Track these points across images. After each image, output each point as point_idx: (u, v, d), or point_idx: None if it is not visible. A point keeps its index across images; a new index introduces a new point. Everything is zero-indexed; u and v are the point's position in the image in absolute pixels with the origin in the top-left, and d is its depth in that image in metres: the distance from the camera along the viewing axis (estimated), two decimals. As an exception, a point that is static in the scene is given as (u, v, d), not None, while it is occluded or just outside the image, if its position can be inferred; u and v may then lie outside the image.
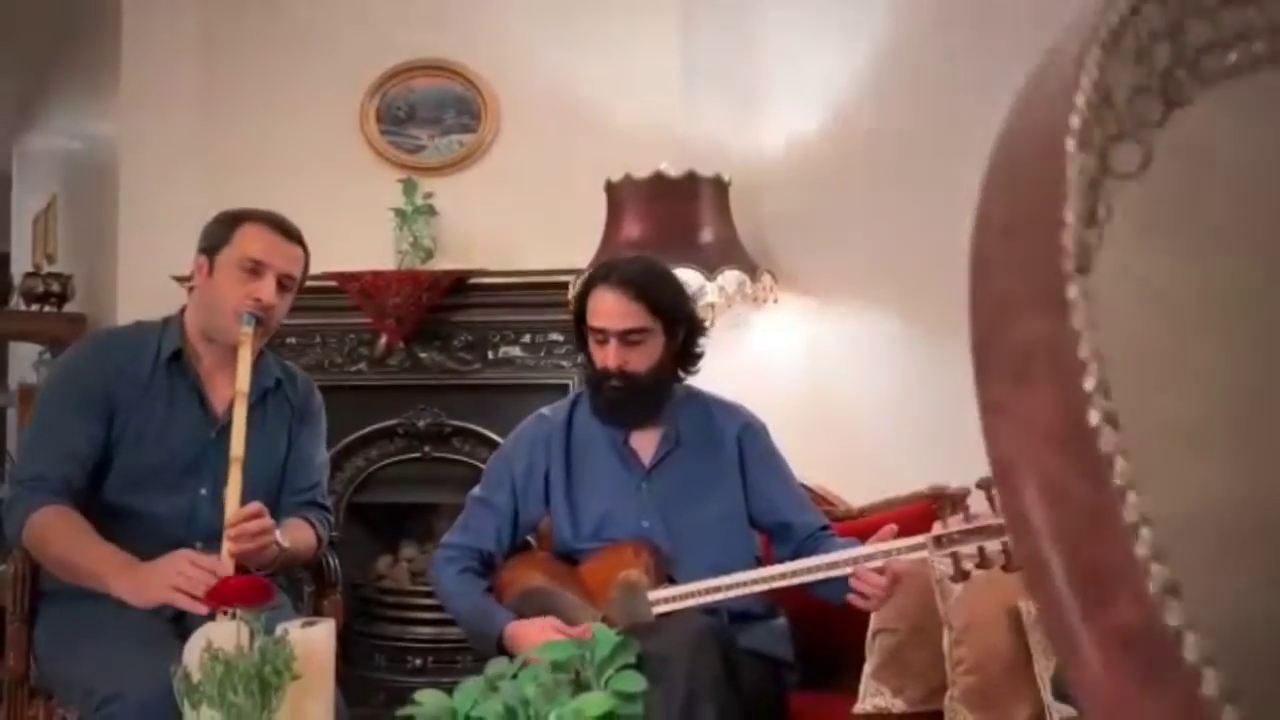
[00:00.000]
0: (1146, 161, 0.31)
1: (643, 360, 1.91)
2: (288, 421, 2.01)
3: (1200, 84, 0.33)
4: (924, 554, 1.68)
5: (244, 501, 1.72)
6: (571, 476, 2.01)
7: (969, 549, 1.63)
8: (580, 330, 1.97)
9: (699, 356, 2.03)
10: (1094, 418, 0.26)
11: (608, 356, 1.89)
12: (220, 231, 1.89)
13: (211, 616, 1.48)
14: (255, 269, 1.85)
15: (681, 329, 1.97)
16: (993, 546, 1.62)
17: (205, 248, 1.89)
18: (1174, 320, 0.31)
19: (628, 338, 1.89)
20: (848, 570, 1.71)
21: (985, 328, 0.30)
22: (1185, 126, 0.32)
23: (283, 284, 1.88)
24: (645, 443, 2.02)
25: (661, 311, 1.91)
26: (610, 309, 1.89)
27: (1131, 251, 0.30)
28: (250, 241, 1.87)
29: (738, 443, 2.02)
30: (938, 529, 1.67)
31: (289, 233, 1.92)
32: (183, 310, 1.98)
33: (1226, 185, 0.33)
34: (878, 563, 1.70)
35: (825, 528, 2.00)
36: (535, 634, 1.77)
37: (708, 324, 2.05)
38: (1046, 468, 0.27)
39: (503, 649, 1.81)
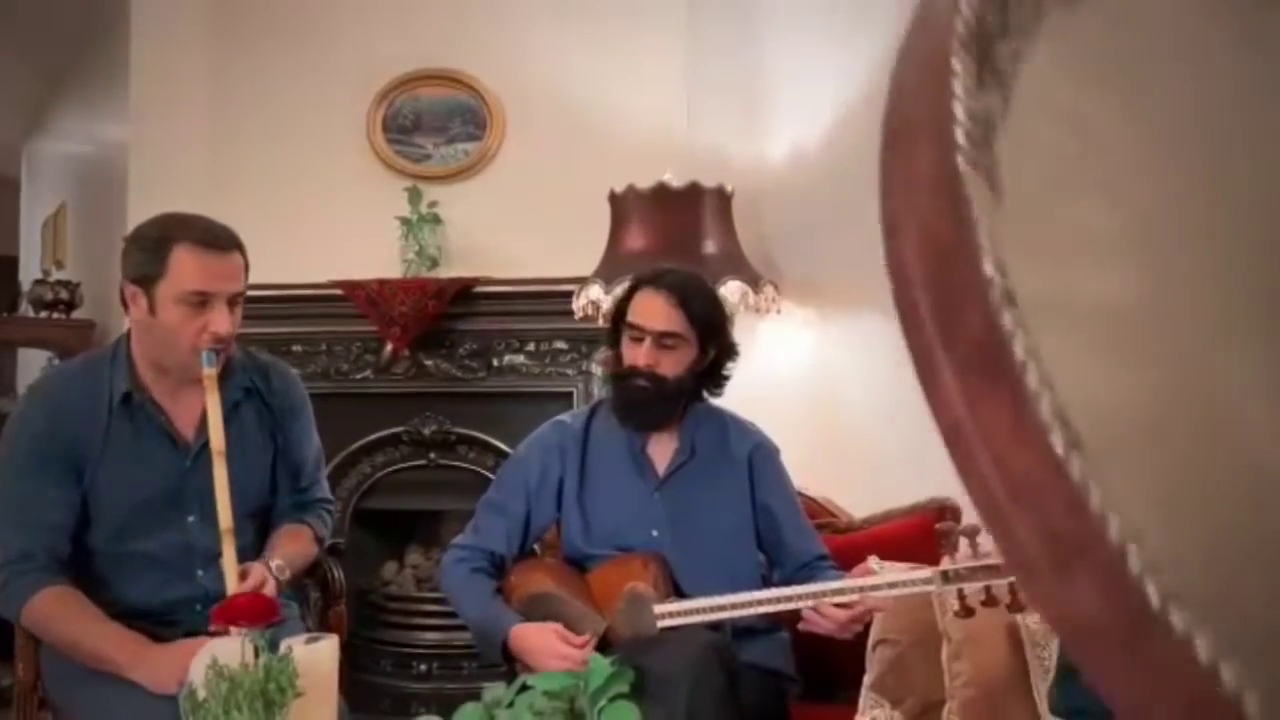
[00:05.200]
0: None
1: (671, 366, 1.95)
2: (269, 426, 1.94)
3: None
4: (931, 588, 1.68)
5: (237, 532, 1.69)
6: (586, 482, 2.03)
7: (976, 586, 1.64)
8: (616, 329, 2.03)
9: (725, 379, 2.07)
10: (961, 164, 0.29)
11: (640, 355, 1.95)
12: (149, 261, 1.72)
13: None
14: (201, 300, 1.71)
15: (713, 348, 2.01)
16: (1000, 585, 1.63)
17: (136, 278, 1.73)
18: (1087, 140, 0.34)
19: (663, 340, 1.94)
20: (854, 598, 1.72)
21: (893, 108, 0.33)
22: None
23: (232, 302, 1.76)
24: (661, 452, 2.04)
25: (698, 325, 1.96)
26: (652, 310, 1.95)
27: (1049, 80, 0.33)
28: (187, 272, 1.70)
29: (749, 462, 2.05)
30: (946, 564, 1.67)
31: (221, 245, 1.74)
32: (127, 337, 1.84)
33: (1160, 24, 0.35)
34: (883, 593, 1.71)
35: (824, 558, 2.02)
36: (539, 639, 1.79)
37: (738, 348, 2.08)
38: (922, 213, 0.30)
39: (507, 651, 1.84)
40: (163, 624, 1.76)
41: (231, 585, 1.64)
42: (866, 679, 1.97)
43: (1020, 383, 0.27)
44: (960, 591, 1.64)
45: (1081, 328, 0.30)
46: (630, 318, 1.98)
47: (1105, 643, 0.26)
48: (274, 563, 1.79)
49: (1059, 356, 0.27)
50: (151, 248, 1.72)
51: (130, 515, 1.78)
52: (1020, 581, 0.28)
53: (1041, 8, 0.33)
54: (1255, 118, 0.37)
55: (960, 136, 0.29)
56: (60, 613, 1.71)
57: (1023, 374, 0.27)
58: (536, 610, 1.87)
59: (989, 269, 0.28)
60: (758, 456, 2.06)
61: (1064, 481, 0.26)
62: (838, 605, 1.73)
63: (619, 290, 2.63)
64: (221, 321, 1.72)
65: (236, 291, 1.77)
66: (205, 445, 1.77)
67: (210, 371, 1.72)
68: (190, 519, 1.81)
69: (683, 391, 2.00)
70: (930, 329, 0.29)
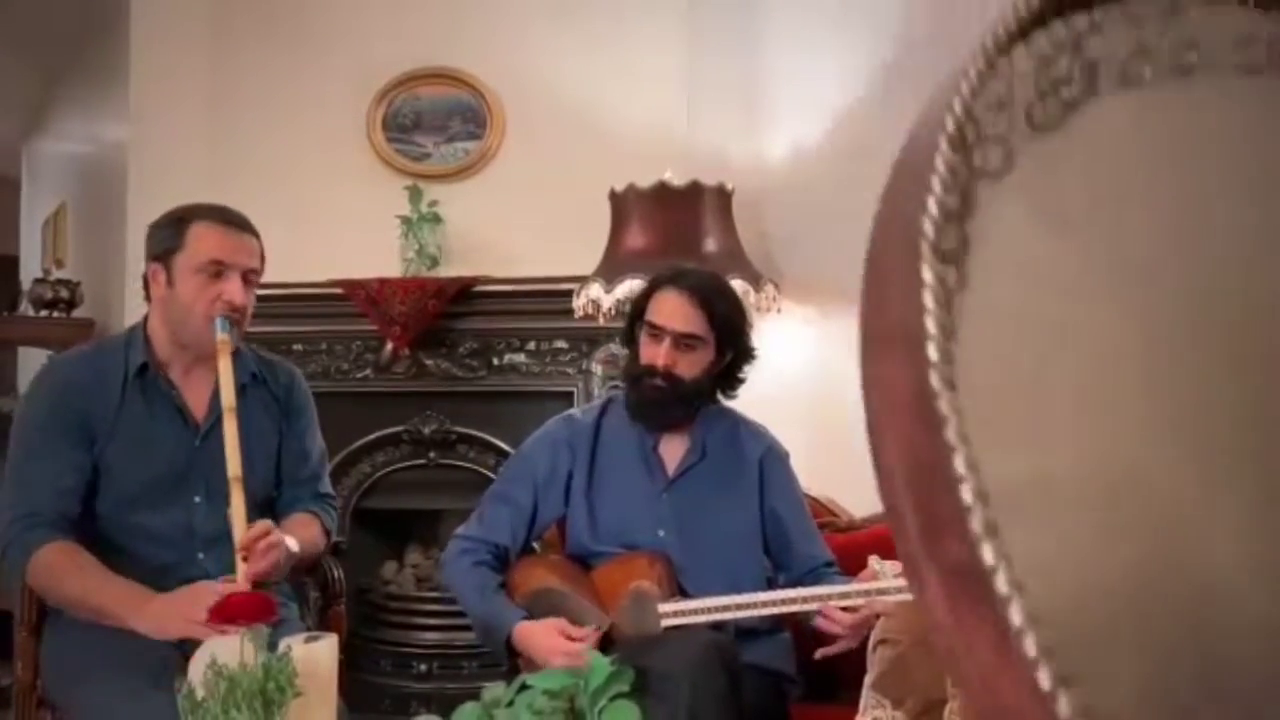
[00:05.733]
0: (1010, 162, 0.33)
1: (689, 368, 1.94)
2: (275, 415, 1.97)
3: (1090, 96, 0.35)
4: None
5: (247, 512, 1.72)
6: (594, 479, 2.02)
7: None
8: (632, 327, 2.01)
9: (741, 381, 2.05)
10: (934, 380, 0.30)
11: (659, 355, 1.93)
12: (169, 236, 1.81)
13: None
14: (218, 270, 1.79)
15: (730, 351, 2.00)
16: None
17: (157, 254, 1.82)
18: (1059, 319, 0.34)
19: (683, 341, 1.92)
20: (860, 601, 1.72)
21: (868, 310, 0.33)
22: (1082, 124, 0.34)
23: (247, 279, 1.82)
24: (672, 452, 2.03)
25: (718, 327, 1.94)
26: (674, 310, 1.93)
27: (1008, 237, 0.33)
28: (205, 243, 1.79)
29: (760, 465, 2.04)
30: None
31: (240, 225, 1.84)
32: (145, 321, 1.90)
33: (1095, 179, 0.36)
34: (890, 598, 1.71)
35: (831, 564, 2.02)
36: (543, 635, 1.78)
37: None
38: (901, 426, 0.31)
39: (510, 647, 1.83)
40: None
41: (239, 532, 1.67)
42: (867, 679, 1.97)
43: (1003, 616, 0.27)
44: None
45: (1062, 507, 0.30)
46: (650, 317, 1.95)
47: None
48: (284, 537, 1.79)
49: (1040, 543, 0.27)
50: (171, 224, 1.82)
51: (138, 491, 1.80)
52: None
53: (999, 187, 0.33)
54: (1223, 263, 0.37)
55: (933, 351, 0.30)
56: (65, 565, 1.72)
57: (1005, 609, 0.27)
58: (540, 605, 1.86)
59: (967, 495, 0.28)
60: (769, 460, 2.05)
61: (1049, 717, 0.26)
62: (843, 609, 1.73)
63: (622, 289, 2.63)
64: (236, 291, 1.79)
65: (251, 267, 1.83)
66: (214, 424, 1.80)
67: (224, 337, 1.76)
68: (196, 499, 1.83)
69: (699, 393, 1.99)
70: (915, 541, 0.30)
